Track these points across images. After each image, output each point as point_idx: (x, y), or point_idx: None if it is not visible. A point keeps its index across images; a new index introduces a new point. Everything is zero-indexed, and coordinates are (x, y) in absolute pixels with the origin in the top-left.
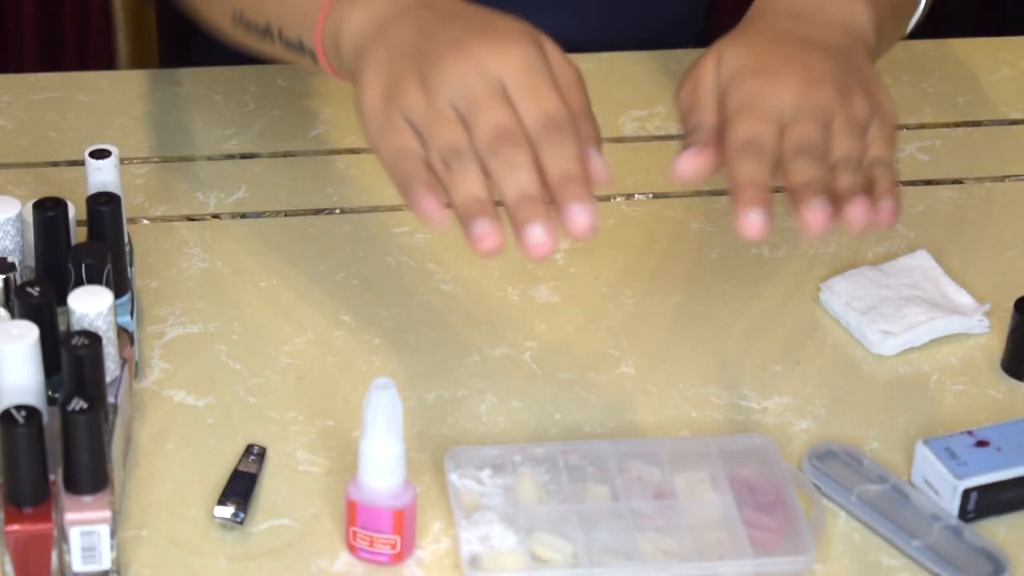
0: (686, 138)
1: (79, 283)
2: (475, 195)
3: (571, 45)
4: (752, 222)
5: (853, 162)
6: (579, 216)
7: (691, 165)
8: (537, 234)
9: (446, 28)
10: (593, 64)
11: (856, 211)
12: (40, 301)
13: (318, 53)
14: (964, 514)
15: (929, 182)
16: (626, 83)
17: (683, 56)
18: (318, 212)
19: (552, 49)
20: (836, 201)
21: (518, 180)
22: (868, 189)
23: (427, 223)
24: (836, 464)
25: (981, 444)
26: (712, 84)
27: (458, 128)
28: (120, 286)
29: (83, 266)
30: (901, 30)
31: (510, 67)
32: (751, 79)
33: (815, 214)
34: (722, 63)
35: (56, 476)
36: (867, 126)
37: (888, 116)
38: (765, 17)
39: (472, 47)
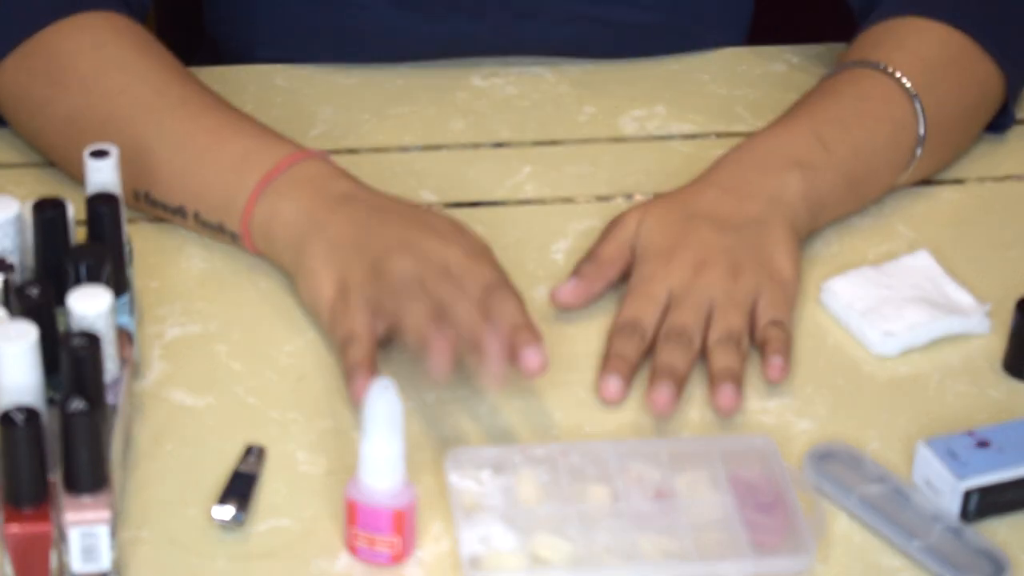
0: (581, 262)
1: (79, 283)
2: (425, 322)
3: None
4: (609, 386)
5: (733, 338)
6: (533, 357)
7: (567, 297)
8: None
9: (383, 223)
10: (593, 64)
11: (723, 396)
12: (40, 301)
13: (243, 237)
14: (965, 515)
15: (929, 182)
16: (626, 83)
17: (683, 56)
18: None
19: (474, 235)
20: (710, 380)
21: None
22: (762, 347)
23: (354, 397)
24: (836, 464)
25: (982, 444)
26: (627, 238)
27: (416, 290)
28: (120, 286)
29: (83, 266)
30: (867, 192)
31: (451, 255)
32: (651, 261)
33: (658, 396)
34: (640, 229)
35: (56, 476)
36: (753, 300)
37: (783, 285)
38: (698, 186)
39: (417, 241)
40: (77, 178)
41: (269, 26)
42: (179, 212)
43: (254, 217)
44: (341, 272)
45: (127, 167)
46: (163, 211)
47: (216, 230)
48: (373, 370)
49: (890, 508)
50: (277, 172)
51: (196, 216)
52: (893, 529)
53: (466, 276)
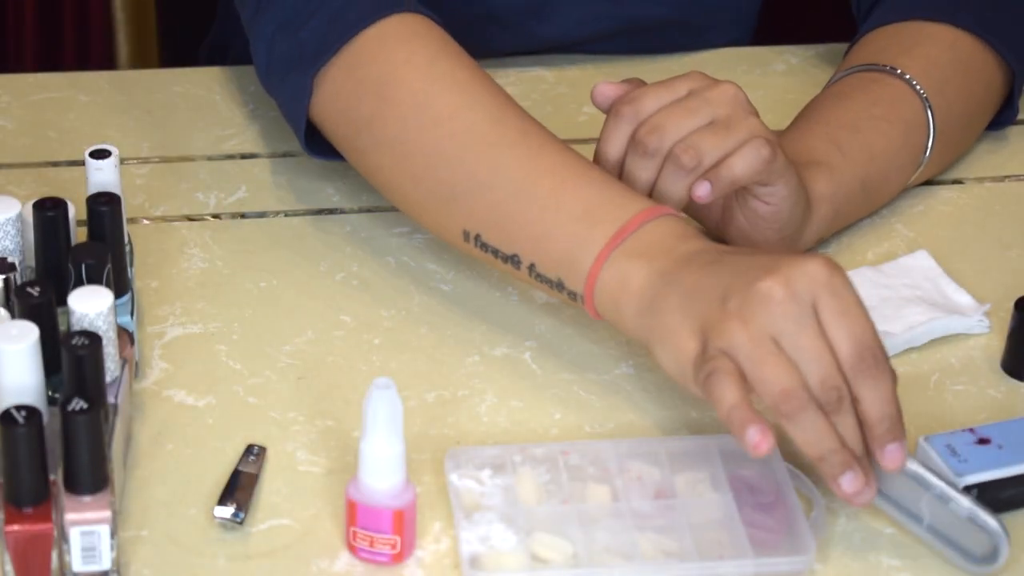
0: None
1: (79, 283)
2: (832, 447)
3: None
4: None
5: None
6: (894, 455)
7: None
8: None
9: (735, 259)
10: (593, 65)
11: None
12: (40, 301)
13: (586, 298)
14: None
15: (929, 182)
16: None
17: (683, 56)
18: (318, 212)
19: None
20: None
21: (846, 433)
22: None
23: (753, 453)
24: None
25: (982, 442)
26: None
27: (787, 368)
28: (120, 286)
29: (83, 266)
30: (880, 197)
31: (819, 284)
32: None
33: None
34: None
35: (56, 476)
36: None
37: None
38: None
39: (778, 266)
40: (404, 210)
41: None
42: (512, 260)
43: (600, 281)
44: (702, 322)
45: (456, 204)
46: (493, 257)
47: (553, 287)
48: (761, 425)
49: (883, 482)
50: (628, 230)
51: (532, 268)
52: (884, 501)
53: (837, 328)
